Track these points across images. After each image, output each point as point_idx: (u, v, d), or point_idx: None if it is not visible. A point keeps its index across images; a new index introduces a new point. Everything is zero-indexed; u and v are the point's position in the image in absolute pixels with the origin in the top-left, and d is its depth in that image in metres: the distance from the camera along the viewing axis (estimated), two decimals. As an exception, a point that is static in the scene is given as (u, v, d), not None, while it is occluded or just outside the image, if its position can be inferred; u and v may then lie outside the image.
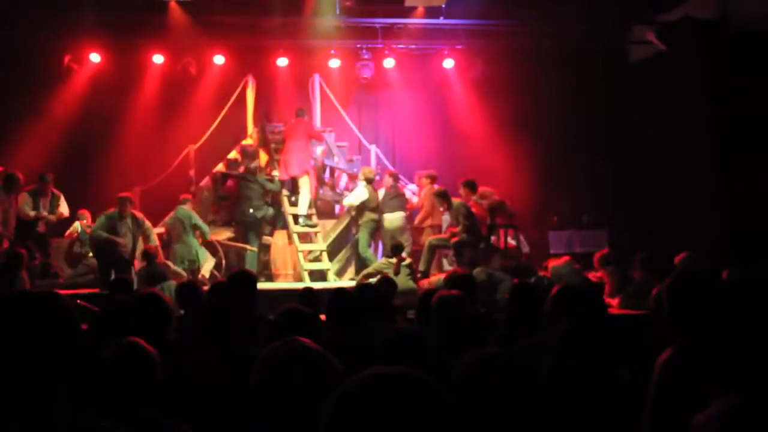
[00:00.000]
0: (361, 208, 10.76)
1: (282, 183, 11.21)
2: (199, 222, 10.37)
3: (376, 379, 1.30)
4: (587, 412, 2.41)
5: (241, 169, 11.76)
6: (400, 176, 11.52)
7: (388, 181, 10.95)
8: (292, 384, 1.89)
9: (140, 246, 10.00)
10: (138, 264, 9.90)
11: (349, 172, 12.13)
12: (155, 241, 9.92)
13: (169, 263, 9.90)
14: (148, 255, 9.49)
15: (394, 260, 9.33)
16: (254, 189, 10.99)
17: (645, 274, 7.39)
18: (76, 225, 10.55)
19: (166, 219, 10.47)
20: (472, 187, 10.12)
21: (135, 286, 7.63)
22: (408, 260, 9.50)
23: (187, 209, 10.34)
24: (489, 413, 1.97)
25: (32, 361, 1.70)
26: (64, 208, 10.29)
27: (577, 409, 2.40)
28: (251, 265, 10.59)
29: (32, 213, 9.84)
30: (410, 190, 11.62)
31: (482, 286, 8.41)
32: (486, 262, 9.55)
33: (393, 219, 10.64)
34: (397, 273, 9.01)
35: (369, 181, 10.82)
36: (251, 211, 10.90)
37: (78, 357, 1.79)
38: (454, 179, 10.52)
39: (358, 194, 10.72)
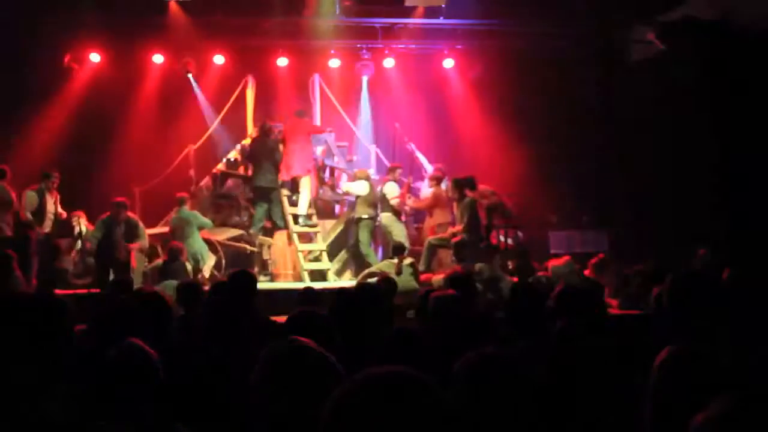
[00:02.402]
0: (360, 202, 10.76)
1: (282, 183, 11.20)
2: (203, 220, 10.41)
3: (376, 379, 1.30)
4: (586, 412, 2.41)
5: (241, 169, 11.76)
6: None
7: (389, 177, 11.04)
8: (292, 384, 1.89)
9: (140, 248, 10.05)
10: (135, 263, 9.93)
11: (349, 172, 12.13)
12: (146, 243, 9.95)
13: (188, 263, 9.97)
14: (173, 252, 9.51)
15: (395, 260, 9.33)
16: (262, 152, 11.00)
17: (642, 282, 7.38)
18: (81, 223, 10.50)
19: (170, 218, 10.48)
20: (471, 185, 10.10)
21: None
22: (410, 260, 9.49)
23: (189, 210, 10.36)
24: (488, 414, 1.97)
25: (25, 360, 1.71)
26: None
27: (576, 410, 2.40)
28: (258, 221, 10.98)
29: (28, 216, 9.80)
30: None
31: (487, 283, 8.43)
32: (487, 261, 9.55)
33: (383, 217, 10.79)
34: (399, 273, 9.00)
35: (367, 177, 10.87)
36: (259, 176, 10.96)
37: (74, 357, 1.79)
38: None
39: (359, 187, 10.72)
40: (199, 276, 10.03)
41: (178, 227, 10.25)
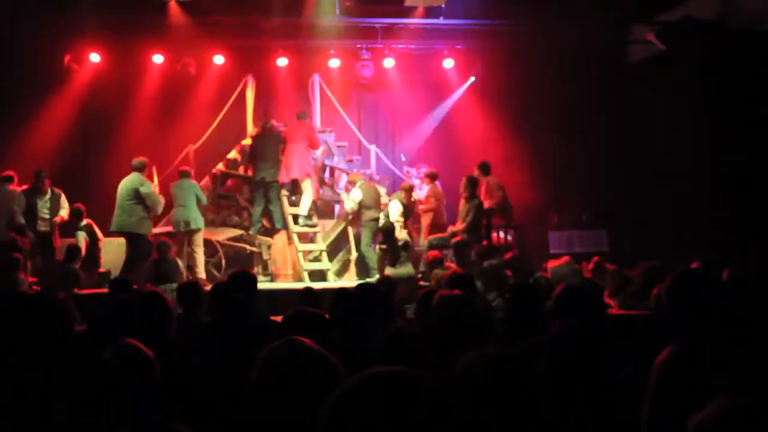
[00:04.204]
0: (360, 207, 10.76)
1: (282, 184, 11.18)
2: (202, 194, 10.50)
3: (376, 379, 1.31)
4: (586, 412, 2.41)
5: (241, 169, 11.76)
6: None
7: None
8: (292, 384, 1.89)
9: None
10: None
11: (349, 172, 12.13)
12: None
13: (179, 260, 9.97)
14: (162, 249, 9.53)
15: (385, 246, 9.41)
16: (264, 146, 11.02)
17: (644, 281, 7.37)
18: (80, 236, 10.39)
19: (171, 186, 10.55)
20: (485, 169, 10.33)
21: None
22: (403, 239, 9.61)
23: (192, 181, 10.48)
24: (488, 414, 1.97)
25: (24, 361, 1.71)
26: (63, 210, 10.28)
27: (576, 410, 2.40)
28: (255, 220, 11.06)
29: (21, 221, 9.76)
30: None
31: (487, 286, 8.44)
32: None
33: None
34: (393, 264, 9.12)
35: (360, 181, 10.88)
36: (260, 169, 10.97)
37: (74, 357, 1.79)
38: (454, 178, 10.52)
39: (354, 196, 10.73)
40: (199, 277, 10.04)
41: (177, 195, 10.33)
